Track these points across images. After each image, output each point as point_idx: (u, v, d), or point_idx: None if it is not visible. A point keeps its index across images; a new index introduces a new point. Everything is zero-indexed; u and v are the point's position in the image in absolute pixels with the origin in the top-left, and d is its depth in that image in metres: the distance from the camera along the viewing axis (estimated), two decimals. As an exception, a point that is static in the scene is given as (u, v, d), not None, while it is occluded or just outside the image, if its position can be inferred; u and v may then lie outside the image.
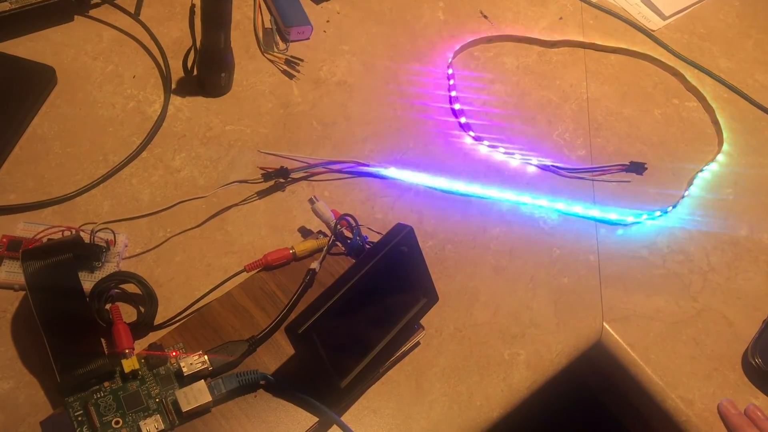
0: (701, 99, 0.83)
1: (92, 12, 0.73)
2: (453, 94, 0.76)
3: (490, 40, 0.83)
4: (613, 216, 0.71)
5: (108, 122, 0.67)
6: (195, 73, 0.70)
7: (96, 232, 0.57)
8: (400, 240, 0.54)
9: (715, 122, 0.82)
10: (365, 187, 0.68)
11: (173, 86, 0.70)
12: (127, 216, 0.61)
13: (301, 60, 0.75)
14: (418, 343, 0.59)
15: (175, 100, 0.70)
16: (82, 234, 0.57)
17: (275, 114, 0.71)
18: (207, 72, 0.69)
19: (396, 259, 0.54)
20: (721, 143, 0.80)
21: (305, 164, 0.67)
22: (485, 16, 0.70)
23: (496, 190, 0.70)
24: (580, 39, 0.85)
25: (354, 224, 0.60)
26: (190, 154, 0.67)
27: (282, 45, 0.76)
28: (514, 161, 0.73)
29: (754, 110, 0.84)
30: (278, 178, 0.66)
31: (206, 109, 0.70)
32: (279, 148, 0.69)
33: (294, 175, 0.66)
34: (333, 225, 0.61)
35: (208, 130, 0.68)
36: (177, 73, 0.71)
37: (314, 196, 0.63)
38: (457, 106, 0.75)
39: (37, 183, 0.62)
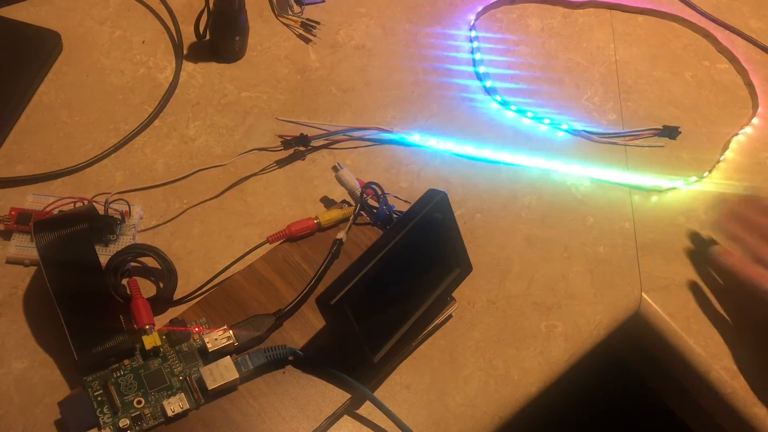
0: (733, 61, 0.80)
1: (97, -25, 0.70)
2: (477, 57, 0.73)
3: (513, 1, 0.79)
4: (647, 182, 0.68)
5: (117, 89, 0.63)
6: (207, 37, 0.67)
7: (110, 203, 0.54)
8: (434, 206, 0.51)
9: (749, 84, 0.78)
10: (389, 154, 0.65)
11: (185, 52, 0.67)
12: (142, 186, 0.58)
13: (318, 23, 0.71)
14: (450, 316, 0.56)
15: (188, 66, 0.66)
16: (95, 205, 0.54)
17: (292, 80, 0.68)
18: (220, 36, 0.66)
19: (429, 226, 0.51)
20: (756, 106, 0.76)
21: (325, 131, 0.64)
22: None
23: (525, 156, 0.67)
24: None
25: (380, 193, 0.57)
26: (204, 122, 0.63)
27: (297, 8, 0.72)
28: (543, 126, 0.70)
29: (789, 72, 0.81)
30: (298, 146, 0.63)
31: (220, 75, 0.66)
32: (297, 115, 0.65)
33: (314, 143, 0.63)
34: (358, 193, 0.58)
35: (222, 97, 0.65)
36: (188, 38, 0.67)
37: (338, 164, 0.59)
38: (481, 70, 0.72)
39: (45, 153, 0.58)
